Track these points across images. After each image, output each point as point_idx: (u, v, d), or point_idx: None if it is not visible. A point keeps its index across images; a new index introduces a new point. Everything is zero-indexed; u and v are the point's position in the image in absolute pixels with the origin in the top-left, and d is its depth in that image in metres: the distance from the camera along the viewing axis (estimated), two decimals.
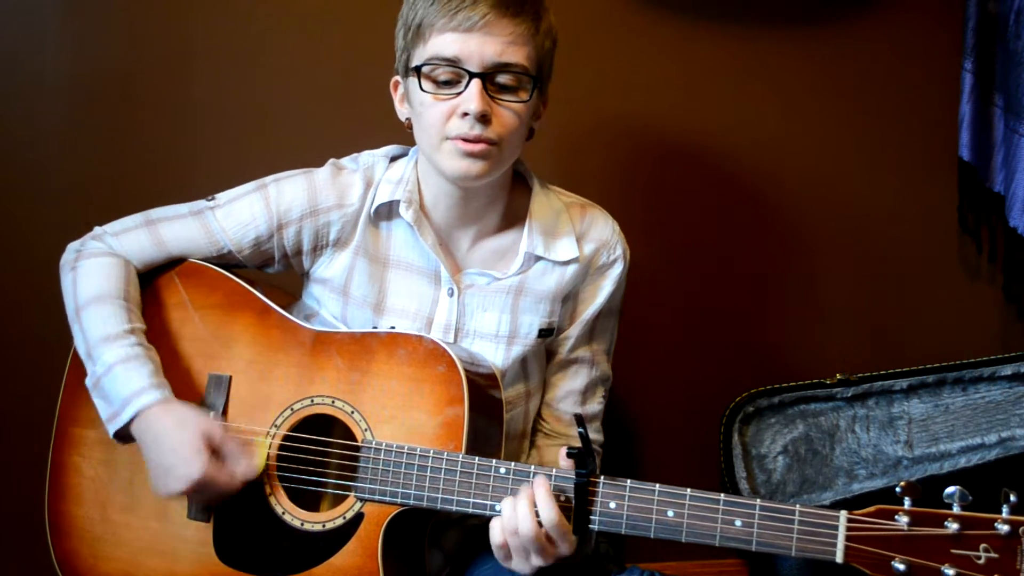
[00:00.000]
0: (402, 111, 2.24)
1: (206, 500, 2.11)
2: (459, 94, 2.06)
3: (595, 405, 2.43)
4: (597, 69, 3.01)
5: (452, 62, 2.05)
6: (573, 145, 3.04)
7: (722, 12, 3.02)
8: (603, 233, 2.34)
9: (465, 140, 2.07)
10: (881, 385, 3.06)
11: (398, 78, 2.22)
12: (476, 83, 2.04)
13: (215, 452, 2.06)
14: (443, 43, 2.04)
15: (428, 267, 2.26)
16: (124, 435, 2.12)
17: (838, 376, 3.07)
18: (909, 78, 3.12)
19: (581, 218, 2.33)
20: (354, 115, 2.83)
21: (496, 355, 2.27)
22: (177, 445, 2.05)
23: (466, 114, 2.05)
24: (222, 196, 2.30)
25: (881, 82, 3.11)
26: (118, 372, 2.11)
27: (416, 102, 2.13)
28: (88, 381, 2.15)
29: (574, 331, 2.35)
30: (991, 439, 3.00)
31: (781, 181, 3.14)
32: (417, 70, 2.09)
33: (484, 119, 2.06)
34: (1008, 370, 3.01)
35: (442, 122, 2.08)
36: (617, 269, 2.35)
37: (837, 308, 3.23)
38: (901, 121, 3.14)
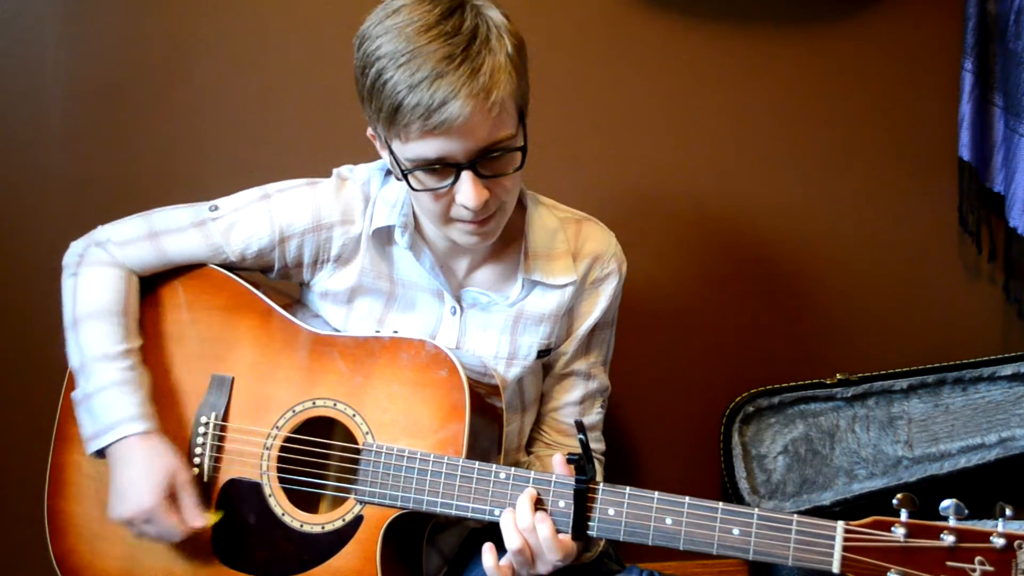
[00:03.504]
0: (387, 161, 2.13)
1: (147, 535, 2.11)
2: (452, 185, 1.98)
3: (593, 416, 2.42)
4: (595, 70, 3.02)
5: (438, 161, 1.95)
6: (570, 148, 3.04)
7: (721, 12, 3.01)
8: (597, 247, 2.32)
9: (471, 223, 2.04)
10: (881, 385, 3.07)
11: (374, 133, 2.12)
12: (468, 176, 1.96)
13: (173, 495, 2.09)
14: (424, 147, 1.93)
15: (431, 287, 2.26)
16: (99, 453, 2.15)
17: (838, 376, 3.08)
18: (909, 78, 3.11)
19: (577, 235, 2.31)
20: (355, 117, 2.83)
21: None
22: (139, 475, 2.07)
23: (466, 207, 1.99)
24: (225, 205, 2.28)
25: (881, 82, 3.10)
26: (110, 395, 2.12)
27: (408, 187, 2.06)
28: (76, 394, 2.16)
29: (570, 346, 2.34)
30: (991, 439, 3.01)
31: (780, 180, 3.14)
32: (403, 172, 2.01)
33: (484, 205, 2.00)
34: (1008, 370, 3.02)
35: (444, 211, 2.04)
36: (611, 283, 2.34)
37: (837, 308, 3.22)
38: (901, 121, 3.13)
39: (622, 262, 2.35)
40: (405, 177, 2.02)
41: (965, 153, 3.06)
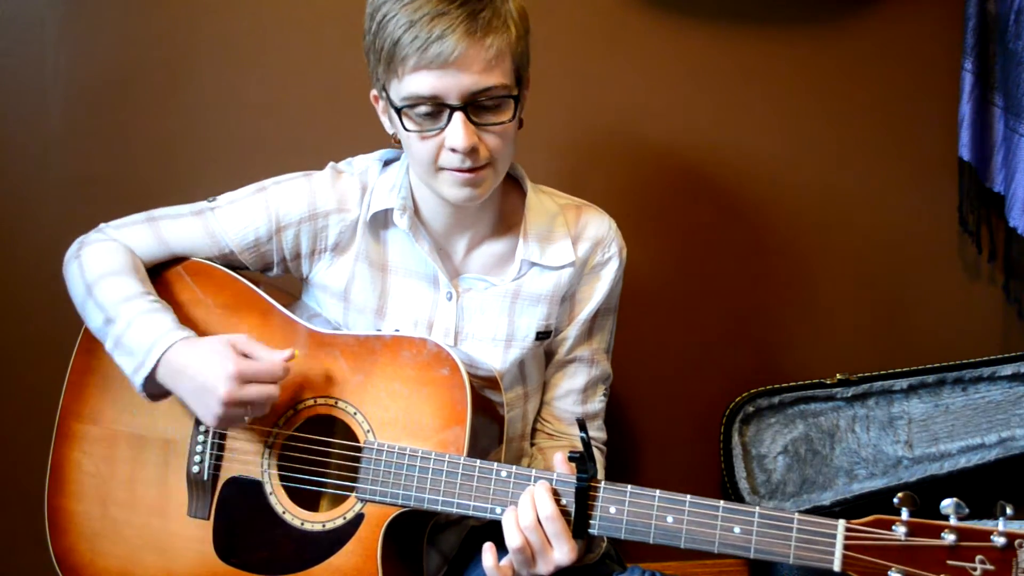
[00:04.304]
0: (386, 122, 2.20)
1: (254, 399, 2.02)
2: (443, 129, 2.03)
3: (596, 403, 2.44)
4: (596, 69, 3.02)
5: (431, 99, 2.00)
6: (572, 145, 3.04)
7: (721, 12, 3.02)
8: (598, 232, 2.34)
9: (459, 171, 2.07)
10: (881, 385, 3.07)
11: (374, 90, 2.17)
12: (459, 117, 2.01)
13: (246, 355, 2.05)
14: (418, 82, 1.99)
15: (426, 272, 2.27)
16: (153, 391, 2.11)
17: (838, 376, 3.08)
18: (909, 78, 3.12)
19: (576, 220, 2.33)
20: (354, 116, 2.83)
21: (494, 358, 2.28)
22: (206, 359, 2.03)
23: (455, 149, 2.03)
24: (222, 198, 2.31)
25: (881, 82, 3.11)
26: (141, 322, 2.09)
27: (401, 134, 2.11)
28: (108, 343, 2.13)
29: (572, 331, 2.36)
30: (991, 439, 3.01)
31: (781, 181, 3.14)
32: (397, 110, 2.05)
33: (473, 150, 2.04)
34: (1008, 370, 3.02)
35: (432, 156, 2.07)
36: (612, 267, 2.35)
37: (837, 308, 3.23)
38: (901, 121, 3.13)
39: (622, 247, 2.37)
40: (399, 115, 2.05)
41: (965, 153, 3.06)
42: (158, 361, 2.06)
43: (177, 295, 2.27)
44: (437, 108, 2.02)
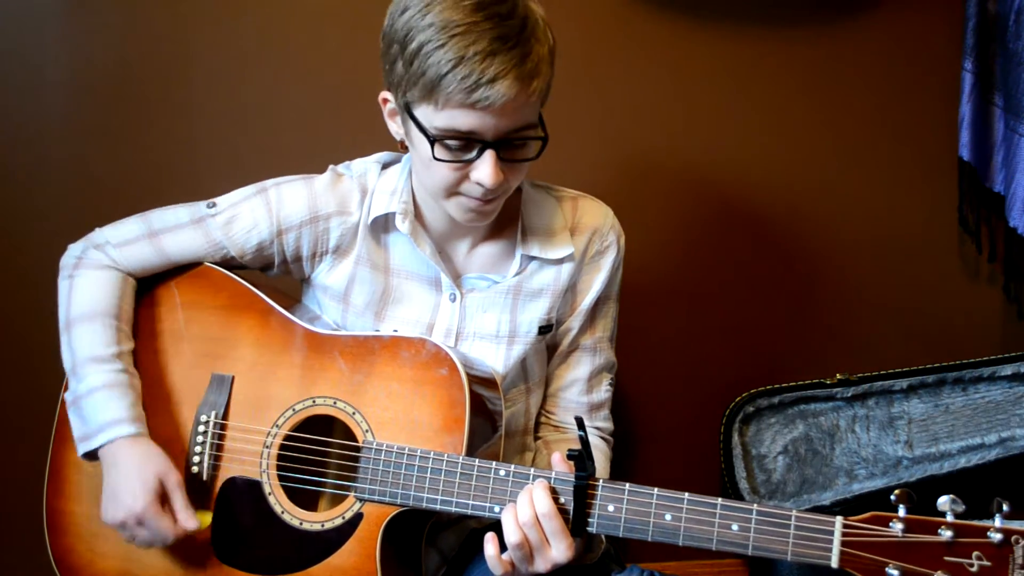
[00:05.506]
0: (394, 127, 2.17)
1: (140, 539, 2.09)
2: (471, 161, 2.01)
3: (602, 392, 2.44)
4: (599, 70, 3.02)
5: (467, 135, 1.98)
6: (573, 145, 3.03)
7: (721, 12, 3.02)
8: (594, 220, 2.33)
9: (476, 199, 2.07)
10: (881, 385, 3.07)
11: (387, 95, 2.13)
12: (490, 155, 1.99)
13: (164, 497, 2.08)
14: (458, 117, 1.95)
15: (429, 275, 2.27)
16: (90, 455, 2.14)
17: (838, 376, 3.08)
18: (909, 78, 3.12)
19: (573, 211, 2.33)
20: (355, 117, 2.83)
21: (497, 355, 2.28)
22: (131, 476, 2.06)
23: (481, 184, 2.02)
24: (223, 201, 2.28)
25: (881, 82, 3.11)
26: (100, 397, 2.12)
27: (422, 154, 2.06)
28: (67, 395, 2.16)
29: (575, 322, 2.36)
30: (991, 439, 3.00)
31: (781, 181, 3.14)
32: (430, 139, 2.01)
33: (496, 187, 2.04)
34: (1008, 370, 3.02)
35: (453, 183, 2.05)
36: (611, 255, 2.35)
37: (837, 308, 3.23)
38: (901, 121, 3.14)
39: (620, 235, 2.37)
40: (432, 143, 2.01)
41: (965, 153, 3.06)
42: (102, 445, 2.10)
43: (171, 301, 2.28)
44: (470, 142, 2.00)
